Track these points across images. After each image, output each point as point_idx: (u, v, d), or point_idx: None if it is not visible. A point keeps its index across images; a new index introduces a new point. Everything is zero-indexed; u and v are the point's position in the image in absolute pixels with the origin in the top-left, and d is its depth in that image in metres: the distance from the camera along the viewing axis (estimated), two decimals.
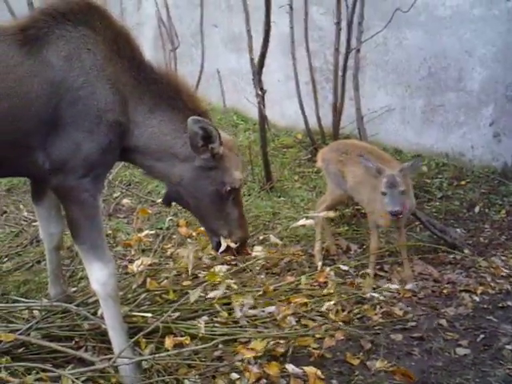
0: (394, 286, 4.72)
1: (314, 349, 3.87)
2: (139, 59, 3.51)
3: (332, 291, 4.44)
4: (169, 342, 3.66)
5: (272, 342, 3.82)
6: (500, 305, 4.59)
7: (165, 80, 3.52)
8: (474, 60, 7.49)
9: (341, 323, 4.20)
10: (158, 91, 3.50)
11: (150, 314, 4.05)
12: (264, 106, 7.01)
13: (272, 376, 3.45)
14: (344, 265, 4.84)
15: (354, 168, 4.87)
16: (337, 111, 8.01)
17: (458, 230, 5.96)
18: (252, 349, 3.61)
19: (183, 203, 3.84)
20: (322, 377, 3.42)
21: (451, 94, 7.78)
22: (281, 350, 3.82)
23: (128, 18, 10.59)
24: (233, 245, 3.65)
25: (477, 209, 6.40)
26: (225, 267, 4.88)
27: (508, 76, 7.20)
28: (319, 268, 4.72)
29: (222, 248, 3.65)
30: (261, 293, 4.36)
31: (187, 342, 3.66)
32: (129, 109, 3.42)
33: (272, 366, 3.43)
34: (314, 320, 4.21)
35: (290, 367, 3.45)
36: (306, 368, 3.40)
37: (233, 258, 4.38)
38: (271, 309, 4.23)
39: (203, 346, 3.78)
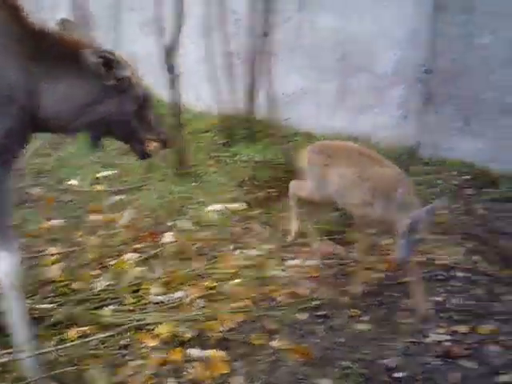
0: (299, 265, 4.81)
1: (219, 332, 3.90)
2: (33, 29, 3.38)
3: (238, 273, 4.47)
4: (72, 332, 3.61)
5: (178, 327, 3.83)
6: (400, 280, 4.74)
7: (62, 42, 3.41)
8: (384, 42, 7.66)
9: (248, 304, 4.24)
10: (57, 54, 3.38)
11: (53, 305, 3.98)
12: (178, 89, 6.95)
13: (176, 361, 3.45)
14: (253, 248, 4.87)
15: (340, 171, 4.39)
16: (251, 95, 8.06)
17: None
18: (157, 335, 3.61)
19: (110, 134, 3.81)
20: (226, 359, 3.45)
21: (362, 76, 7.94)
22: (188, 335, 3.84)
23: (41, 1, 10.23)
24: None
25: None
26: (135, 255, 4.86)
27: (418, 58, 7.41)
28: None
29: (154, 147, 3.80)
30: (169, 278, 4.35)
31: (90, 331, 3.62)
32: (34, 80, 3.30)
33: (176, 351, 3.44)
34: (220, 302, 4.22)
35: (194, 351, 3.46)
36: (209, 351, 3.41)
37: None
38: (179, 294, 4.23)
39: (108, 334, 3.75)
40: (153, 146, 3.81)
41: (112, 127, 3.69)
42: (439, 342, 3.90)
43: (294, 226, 4.98)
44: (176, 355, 3.42)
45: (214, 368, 3.32)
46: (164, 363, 3.49)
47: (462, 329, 4.01)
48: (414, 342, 3.92)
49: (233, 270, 4.52)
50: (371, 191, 4.12)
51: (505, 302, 4.39)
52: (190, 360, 3.56)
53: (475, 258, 5.10)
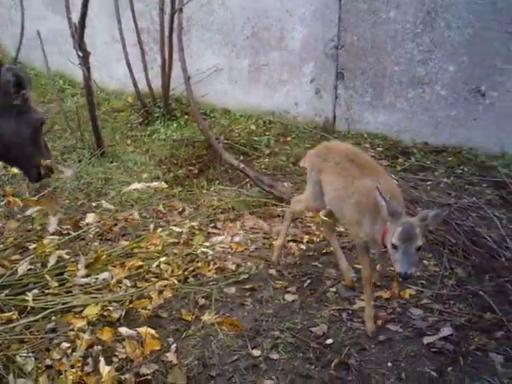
0: (226, 241, 4.79)
1: (148, 310, 3.84)
2: None
3: (165, 251, 4.41)
4: None
5: (106, 308, 3.74)
6: (324, 251, 4.84)
7: None
8: (294, 19, 7.69)
9: (175, 281, 4.19)
10: None
11: None
12: (89, 68, 6.71)
13: (106, 341, 3.37)
14: (177, 226, 4.81)
15: (333, 178, 3.89)
16: (165, 73, 7.90)
17: (285, 184, 6.17)
18: (84, 316, 3.51)
19: (3, 157, 3.93)
20: (157, 336, 3.40)
21: (274, 52, 7.95)
22: (116, 315, 3.76)
23: None
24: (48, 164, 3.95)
25: (301, 162, 6.62)
26: (56, 238, 4.68)
27: (326, 34, 7.48)
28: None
29: (43, 171, 3.96)
30: (93, 260, 4.23)
31: (14, 316, 3.47)
32: None
33: (105, 331, 3.35)
34: (148, 281, 4.16)
35: (124, 330, 3.38)
36: (139, 329, 3.35)
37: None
38: (105, 275, 4.12)
39: (34, 319, 3.61)
40: (44, 169, 3.93)
41: (7, 149, 3.70)
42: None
43: (278, 241, 4.64)
44: (105, 335, 3.33)
45: (145, 345, 3.26)
46: (93, 344, 3.40)
47: (385, 294, 4.14)
48: (340, 310, 4.01)
49: (159, 248, 4.45)
50: (357, 207, 3.63)
51: (426, 265, 4.56)
52: (120, 339, 3.48)
53: None
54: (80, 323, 3.30)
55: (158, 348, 3.28)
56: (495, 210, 5.35)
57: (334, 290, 4.29)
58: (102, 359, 3.15)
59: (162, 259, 4.19)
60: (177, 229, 4.57)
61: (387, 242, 3.28)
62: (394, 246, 3.18)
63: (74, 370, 3.13)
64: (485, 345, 3.65)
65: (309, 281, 4.40)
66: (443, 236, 4.79)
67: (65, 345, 3.39)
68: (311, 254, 4.83)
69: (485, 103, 6.60)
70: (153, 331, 3.30)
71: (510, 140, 6.44)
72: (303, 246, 4.94)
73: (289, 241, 4.99)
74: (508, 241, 4.78)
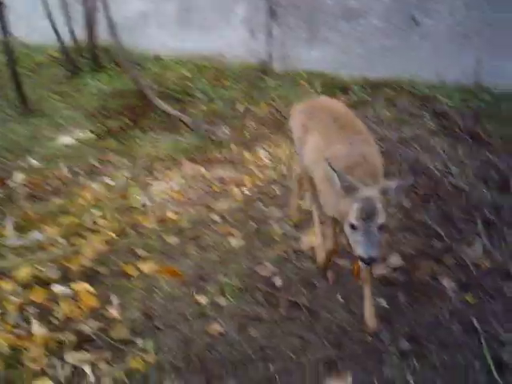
0: (165, 190, 4.62)
1: (84, 266, 3.65)
2: None
3: (101, 205, 4.20)
4: None
5: (39, 268, 3.54)
6: (267, 193, 4.71)
7: None
8: None
9: (113, 234, 4.01)
10: None
11: None
12: (5, 22, 6.28)
13: (40, 302, 3.18)
14: (113, 178, 4.60)
15: (312, 139, 3.35)
16: (91, 22, 7.52)
17: (223, 128, 5.98)
18: (11, 277, 3.31)
19: None
20: (94, 291, 3.23)
21: None
22: (52, 274, 3.56)
23: None
24: None
25: (238, 106, 6.45)
26: None
27: None
28: None
29: None
30: (22, 220, 3.99)
31: None
32: None
33: (37, 291, 3.16)
34: (84, 237, 3.96)
35: (58, 288, 3.20)
36: (74, 285, 3.17)
37: None
38: (36, 234, 3.90)
39: None
40: None
41: None
42: (311, 246, 3.92)
43: (317, 241, 3.86)
44: (38, 296, 3.14)
45: (83, 303, 3.09)
46: (22, 306, 3.20)
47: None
48: (287, 250, 3.91)
49: (93, 203, 4.23)
50: (325, 176, 2.91)
51: None
52: (55, 299, 3.29)
53: None
54: (8, 286, 3.09)
55: (95, 304, 3.11)
56: (438, 138, 5.32)
57: (279, 230, 4.17)
58: (34, 321, 2.96)
59: (96, 212, 3.97)
60: (112, 181, 4.36)
61: (344, 223, 2.74)
62: (353, 226, 2.62)
63: (6, 335, 2.93)
64: (436, 272, 3.62)
65: (253, 224, 4.27)
66: (387, 169, 4.73)
67: None
68: (254, 197, 4.69)
69: (421, 32, 6.51)
70: (89, 287, 3.13)
71: (448, 69, 6.40)
72: (245, 190, 4.79)
73: (230, 185, 4.84)
74: (451, 167, 4.75)
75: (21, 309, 3.17)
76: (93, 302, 3.11)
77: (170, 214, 4.36)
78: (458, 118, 5.62)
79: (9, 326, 3.05)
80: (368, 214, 2.58)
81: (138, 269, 3.69)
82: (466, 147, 5.23)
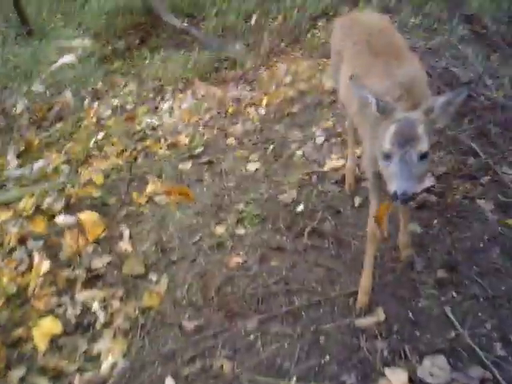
0: (176, 112, 4.33)
1: (91, 197, 3.43)
2: None
3: (108, 129, 3.93)
4: None
5: (44, 198, 3.32)
6: (286, 111, 4.40)
7: None
8: None
9: (121, 161, 3.76)
10: None
11: None
12: None
13: (44, 234, 2.98)
14: (119, 100, 4.31)
15: (344, 68, 2.82)
16: None
17: (237, 44, 5.59)
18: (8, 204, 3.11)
19: None
20: (101, 222, 3.01)
21: None
22: (57, 205, 3.34)
23: None
24: None
25: (253, 20, 6.02)
26: None
27: None
28: None
29: None
30: (25, 148, 3.75)
31: None
32: None
33: (37, 221, 2.95)
34: (88, 163, 3.71)
35: (61, 218, 2.98)
36: (79, 214, 2.95)
37: None
38: (40, 162, 3.66)
39: None
40: None
41: None
42: (336, 169, 3.63)
43: (349, 163, 3.43)
44: (38, 226, 2.93)
45: (90, 234, 2.88)
46: (27, 240, 3.01)
47: (358, 151, 3.76)
48: (309, 173, 3.63)
49: (99, 128, 3.96)
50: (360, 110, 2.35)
51: None
52: (61, 232, 3.08)
53: None
54: (4, 215, 2.88)
55: (103, 234, 2.90)
56: (469, 46, 4.90)
57: (300, 152, 3.87)
58: (36, 255, 2.76)
59: (102, 137, 3.71)
60: (118, 102, 4.08)
61: (377, 153, 2.22)
62: (386, 155, 2.10)
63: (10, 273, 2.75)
64: (471, 192, 3.34)
65: (272, 146, 3.98)
66: None
67: None
68: (272, 117, 4.37)
69: None
70: (95, 215, 2.90)
71: None
72: (262, 111, 4.48)
73: (246, 106, 4.53)
74: (486, 78, 4.37)
75: (24, 242, 2.97)
76: (97, 231, 2.90)
77: (181, 138, 4.08)
78: (492, 23, 5.17)
79: (13, 262, 2.86)
80: (406, 139, 2.04)
81: (150, 198, 3.46)
82: (501, 56, 4.81)
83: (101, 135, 3.97)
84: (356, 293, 2.71)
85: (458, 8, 5.64)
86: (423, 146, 2.04)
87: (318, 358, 2.47)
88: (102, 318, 2.80)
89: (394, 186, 2.03)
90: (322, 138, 3.97)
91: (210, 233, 3.19)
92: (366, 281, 2.71)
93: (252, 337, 2.60)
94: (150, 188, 3.41)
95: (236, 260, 2.99)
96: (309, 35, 5.54)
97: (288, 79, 4.91)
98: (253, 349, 2.55)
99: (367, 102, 2.17)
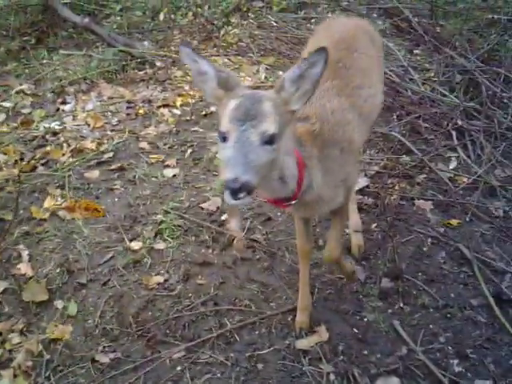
0: (80, 116, 3.94)
1: None
2: None
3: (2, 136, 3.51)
4: None
5: None
6: (203, 113, 4.10)
7: None
8: None
9: (17, 171, 3.33)
10: None
11: None
12: None
13: None
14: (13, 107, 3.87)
15: None
16: None
17: (145, 42, 5.22)
18: None
19: None
20: None
21: None
22: None
23: None
24: None
25: (161, 16, 5.66)
26: None
27: None
28: None
29: None
30: None
31: None
32: None
33: None
34: None
35: None
36: None
37: None
38: None
39: None
40: None
41: None
42: None
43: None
44: None
45: None
46: None
47: None
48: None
49: None
50: None
51: None
52: None
53: (279, 73, 4.58)
54: None
55: None
56: (391, 41, 4.78)
57: (213, 154, 3.58)
58: None
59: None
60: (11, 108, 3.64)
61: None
62: (223, 137, 1.68)
63: None
64: (408, 192, 3.16)
65: (190, 150, 3.68)
66: None
67: None
68: (188, 118, 4.06)
69: None
70: None
71: None
72: (177, 111, 4.15)
73: (159, 107, 4.19)
74: (412, 72, 4.25)
75: None
76: None
77: (87, 143, 3.70)
78: (413, 16, 5.08)
79: None
80: (246, 116, 1.65)
81: (53, 212, 3.06)
82: (424, 49, 4.73)
83: None
84: (295, 309, 2.44)
85: (377, 1, 5.54)
86: (268, 127, 1.65)
87: None
88: None
89: (225, 174, 1.60)
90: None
91: (124, 249, 2.84)
92: (303, 299, 2.44)
93: (179, 368, 2.29)
94: (48, 202, 3.01)
95: (156, 279, 2.67)
96: (222, 32, 5.26)
97: None
98: (180, 382, 2.23)
99: (205, 76, 1.79)
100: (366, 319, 2.42)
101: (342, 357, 2.27)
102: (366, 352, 2.29)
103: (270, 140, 1.64)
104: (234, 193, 1.56)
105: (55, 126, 3.85)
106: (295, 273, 2.58)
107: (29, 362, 2.37)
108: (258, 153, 1.62)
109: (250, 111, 1.65)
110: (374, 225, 2.93)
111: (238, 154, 1.60)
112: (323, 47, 1.63)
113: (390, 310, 2.47)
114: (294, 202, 1.90)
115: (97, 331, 2.46)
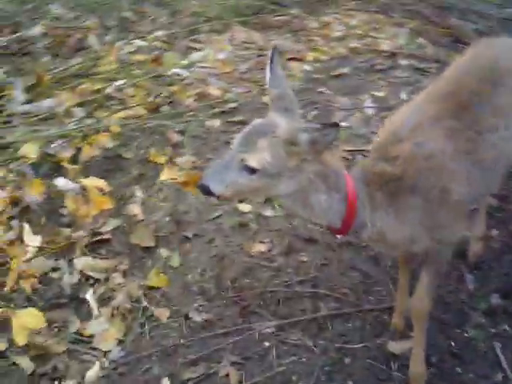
0: (209, 58, 3.98)
1: (109, 148, 3.15)
2: None
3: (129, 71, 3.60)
4: None
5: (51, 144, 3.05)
6: (334, 73, 4.02)
7: None
8: None
9: (143, 111, 3.44)
10: None
11: None
12: None
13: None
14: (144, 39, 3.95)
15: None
16: None
17: None
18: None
19: None
20: (108, 189, 2.74)
21: None
22: (65, 153, 3.05)
23: None
24: None
25: None
26: None
27: None
28: None
29: None
30: (35, 81, 3.44)
31: None
32: None
33: (34, 184, 2.68)
34: (106, 109, 3.40)
35: (61, 182, 2.71)
36: (84, 181, 2.67)
37: None
38: (50, 101, 3.35)
39: None
40: None
41: None
42: None
43: None
44: (35, 189, 2.66)
45: (92, 203, 2.60)
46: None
47: None
48: (352, 151, 3.29)
49: (120, 65, 3.61)
50: None
51: None
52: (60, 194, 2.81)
53: (420, 40, 4.39)
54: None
55: (109, 208, 2.62)
56: None
57: (345, 124, 3.51)
58: (26, 226, 2.50)
59: (122, 82, 3.38)
60: (143, 41, 3.71)
61: None
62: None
63: None
64: None
65: (314, 112, 3.64)
66: None
67: None
68: (317, 76, 4.00)
69: None
70: (103, 183, 2.62)
71: None
72: (307, 67, 4.10)
73: (289, 59, 4.15)
74: None
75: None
76: (104, 205, 2.62)
77: (213, 90, 3.74)
78: None
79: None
80: (243, 140, 1.76)
81: (171, 159, 3.15)
82: None
83: (122, 76, 3.63)
84: (393, 308, 2.42)
85: None
86: (253, 160, 1.71)
87: (340, 381, 2.22)
88: (100, 292, 2.56)
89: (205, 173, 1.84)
90: (372, 110, 3.62)
91: (233, 210, 2.89)
92: (402, 300, 2.41)
93: (267, 344, 2.34)
94: (166, 174, 3.01)
95: (258, 247, 2.71)
96: None
97: (339, 34, 4.50)
98: (266, 359, 2.30)
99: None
100: (466, 334, 2.37)
101: (432, 369, 2.24)
102: (459, 369, 2.24)
103: (250, 170, 1.73)
104: (205, 193, 1.79)
105: (184, 65, 3.90)
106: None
107: (127, 304, 2.51)
108: (232, 174, 1.75)
109: (248, 140, 1.75)
110: (494, 231, 2.81)
111: (218, 164, 1.79)
112: (336, 123, 1.65)
113: (493, 330, 2.39)
114: (340, 235, 2.08)
115: (194, 288, 2.56)
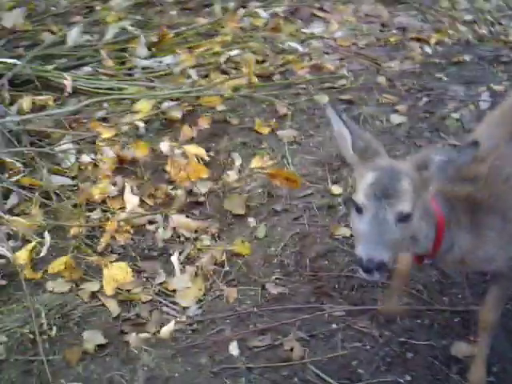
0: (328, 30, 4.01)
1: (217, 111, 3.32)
2: None
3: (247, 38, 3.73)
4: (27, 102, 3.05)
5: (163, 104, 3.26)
6: (455, 59, 3.95)
7: None
8: None
9: (255, 79, 3.56)
10: None
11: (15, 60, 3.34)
12: None
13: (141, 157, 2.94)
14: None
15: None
16: None
17: None
18: (113, 125, 3.07)
19: None
20: (207, 159, 2.91)
21: None
22: (175, 113, 3.25)
23: None
24: None
25: None
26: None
27: None
28: None
29: None
30: (158, 40, 3.64)
31: (50, 102, 3.07)
32: None
33: (140, 146, 2.89)
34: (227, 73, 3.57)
35: (165, 146, 2.89)
36: (186, 147, 2.85)
37: None
38: (169, 59, 3.55)
39: (83, 104, 3.19)
40: None
41: None
42: None
43: None
44: (140, 150, 2.87)
45: (190, 170, 2.79)
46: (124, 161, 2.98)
47: None
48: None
49: (239, 35, 3.74)
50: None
51: None
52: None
53: None
54: (107, 133, 2.83)
55: (205, 176, 2.80)
56: None
57: (456, 116, 3.48)
58: (127, 185, 2.71)
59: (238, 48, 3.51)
60: (264, 13, 3.81)
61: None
62: (358, 208, 1.72)
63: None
64: None
65: (425, 99, 3.60)
66: None
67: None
68: (437, 61, 3.94)
69: None
70: (203, 152, 2.78)
71: None
72: (428, 49, 4.04)
73: (411, 39, 4.11)
74: None
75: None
76: (201, 173, 2.80)
77: (328, 64, 3.79)
78: None
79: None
80: (384, 193, 1.66)
81: (274, 130, 3.27)
82: None
83: (240, 42, 3.76)
84: (463, 313, 2.46)
85: None
86: (405, 206, 1.66)
87: (398, 374, 2.30)
88: (188, 250, 2.75)
89: (359, 250, 1.67)
90: (488, 104, 3.54)
91: (324, 190, 2.98)
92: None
93: (334, 326, 2.45)
94: (256, 162, 3.10)
95: (343, 231, 2.79)
96: None
97: (469, 17, 4.38)
98: (331, 340, 2.41)
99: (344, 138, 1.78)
100: None
101: (492, 378, 2.27)
102: None
103: (405, 218, 1.67)
104: (369, 272, 1.64)
105: (302, 38, 3.96)
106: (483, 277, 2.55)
107: (211, 266, 2.70)
108: (393, 232, 1.66)
109: (388, 189, 1.66)
110: None
111: (373, 233, 1.65)
112: (477, 142, 1.62)
113: None
114: (427, 261, 1.95)
115: (275, 260, 2.69)
